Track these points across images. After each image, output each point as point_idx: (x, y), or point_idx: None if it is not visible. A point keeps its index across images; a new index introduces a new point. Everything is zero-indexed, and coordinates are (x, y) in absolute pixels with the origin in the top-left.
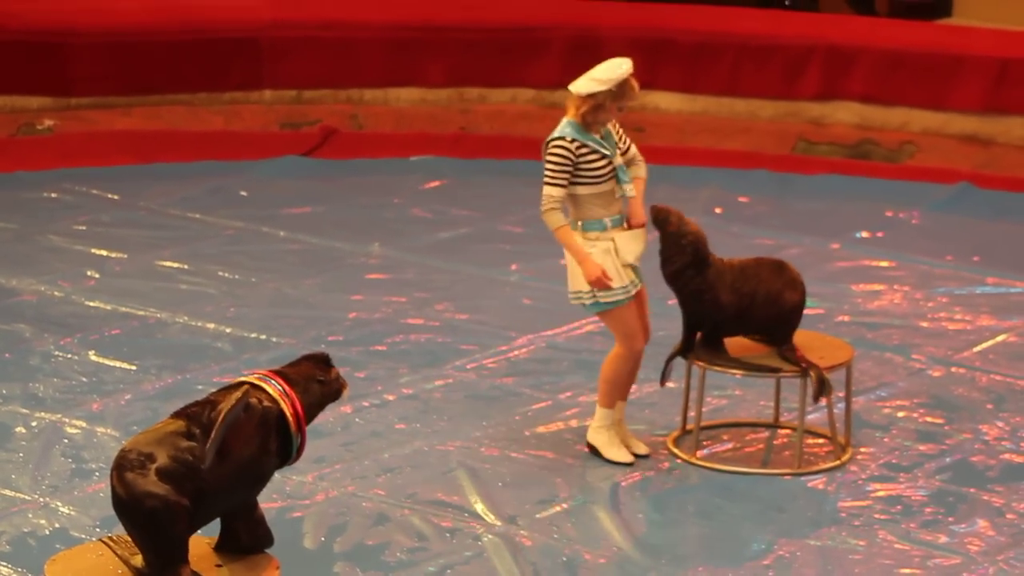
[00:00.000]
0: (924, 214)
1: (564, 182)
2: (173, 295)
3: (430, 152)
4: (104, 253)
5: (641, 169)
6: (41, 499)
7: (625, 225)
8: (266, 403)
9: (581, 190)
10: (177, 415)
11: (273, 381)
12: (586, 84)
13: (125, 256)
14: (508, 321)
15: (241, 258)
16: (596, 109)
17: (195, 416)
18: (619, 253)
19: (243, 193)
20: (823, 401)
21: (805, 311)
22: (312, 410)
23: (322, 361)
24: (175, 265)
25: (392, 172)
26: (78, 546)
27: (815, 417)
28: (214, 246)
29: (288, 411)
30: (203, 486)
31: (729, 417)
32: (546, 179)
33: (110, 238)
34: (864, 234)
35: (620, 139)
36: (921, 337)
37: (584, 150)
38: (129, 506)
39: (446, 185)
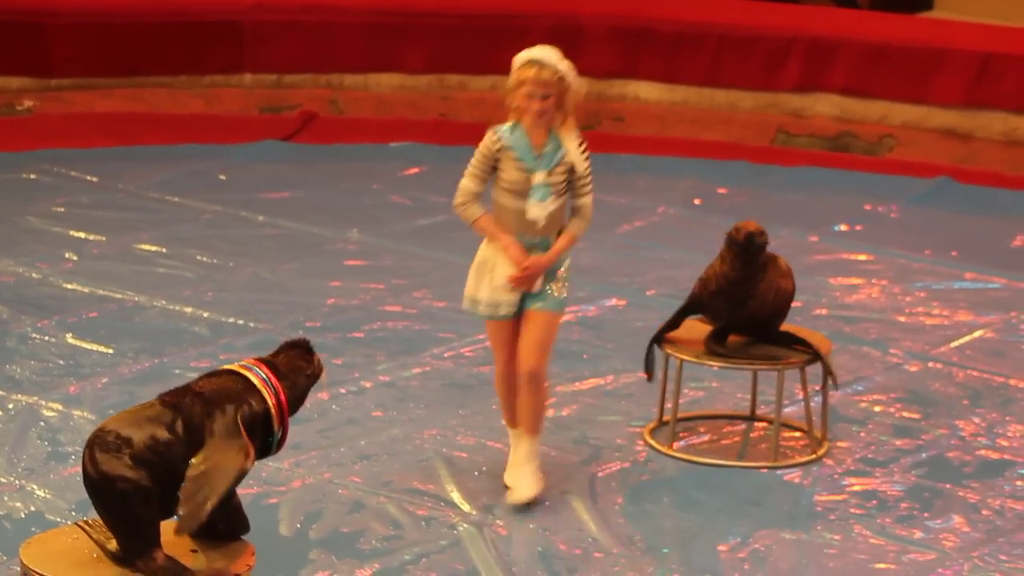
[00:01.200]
0: (903, 208)
1: (481, 176)
2: (151, 278)
3: (410, 138)
4: (82, 235)
5: (574, 225)
6: (17, 482)
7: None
8: (255, 407)
9: (496, 194)
10: (164, 402)
11: (258, 370)
12: None
13: (103, 239)
14: None
15: (219, 242)
16: (514, 110)
17: (182, 408)
18: (495, 271)
19: (222, 177)
20: (830, 382)
21: None
22: (296, 404)
23: (306, 350)
24: (153, 248)
25: (371, 158)
26: (53, 529)
27: (792, 410)
28: (192, 230)
29: (272, 405)
30: (179, 481)
31: (706, 409)
32: (465, 172)
33: (88, 220)
34: (843, 227)
35: (574, 171)
36: (898, 331)
37: (502, 153)
38: (100, 486)
39: (425, 172)
